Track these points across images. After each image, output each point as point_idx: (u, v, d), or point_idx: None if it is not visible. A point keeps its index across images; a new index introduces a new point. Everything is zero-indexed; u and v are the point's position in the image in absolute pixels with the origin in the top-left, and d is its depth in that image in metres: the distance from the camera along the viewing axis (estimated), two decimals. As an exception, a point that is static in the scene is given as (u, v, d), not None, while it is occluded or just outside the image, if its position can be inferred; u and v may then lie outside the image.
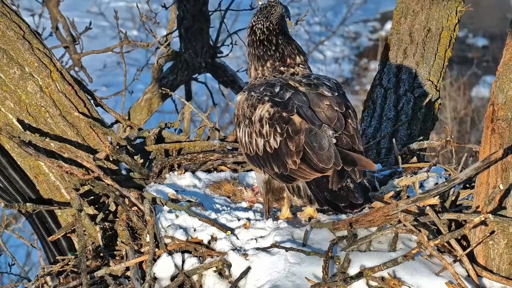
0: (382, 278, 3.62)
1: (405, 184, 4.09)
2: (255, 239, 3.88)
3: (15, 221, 9.91)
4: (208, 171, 4.60)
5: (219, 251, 3.86)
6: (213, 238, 3.93)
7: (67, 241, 4.45)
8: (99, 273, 3.96)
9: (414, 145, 4.85)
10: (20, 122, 4.42)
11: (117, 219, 4.22)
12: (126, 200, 4.16)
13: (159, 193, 4.24)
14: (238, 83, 8.06)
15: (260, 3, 4.20)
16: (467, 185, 4.22)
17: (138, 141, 4.72)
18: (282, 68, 4.08)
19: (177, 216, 4.03)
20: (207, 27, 7.71)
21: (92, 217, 4.22)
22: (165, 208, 4.09)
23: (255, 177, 4.33)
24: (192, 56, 7.75)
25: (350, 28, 22.53)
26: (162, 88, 7.13)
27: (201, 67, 7.90)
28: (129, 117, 7.51)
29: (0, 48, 4.41)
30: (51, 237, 4.31)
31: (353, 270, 3.64)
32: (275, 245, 3.77)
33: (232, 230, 3.94)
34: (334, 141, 3.75)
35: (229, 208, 4.19)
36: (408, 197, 3.85)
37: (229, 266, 3.81)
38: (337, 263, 3.67)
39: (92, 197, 4.38)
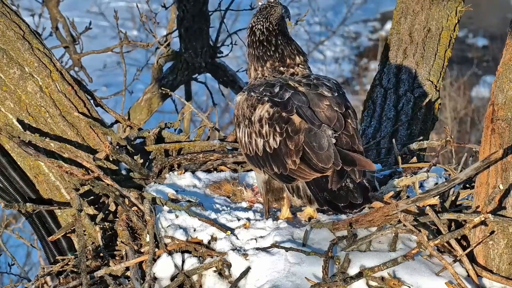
0: (382, 278, 3.62)
1: (405, 184, 4.09)
2: (255, 239, 3.88)
3: (15, 221, 9.91)
4: (208, 171, 4.60)
5: (219, 251, 3.86)
6: (213, 238, 3.93)
7: (67, 241, 4.45)
8: (99, 273, 3.96)
9: (414, 145, 4.85)
10: (20, 122, 4.42)
11: (117, 219, 4.21)
12: (126, 200, 4.16)
13: (159, 193, 4.24)
14: (238, 83, 8.06)
15: (260, 3, 4.21)
16: (467, 185, 4.22)
17: (138, 141, 4.72)
18: (282, 69, 4.08)
19: (177, 216, 4.03)
20: (207, 27, 7.71)
21: (92, 217, 4.22)
22: (165, 208, 4.09)
23: (255, 177, 4.33)
24: (192, 56, 7.75)
25: (350, 28, 22.53)
26: (162, 88, 7.13)
27: (201, 67, 7.90)
28: (129, 117, 7.51)
29: (0, 48, 4.41)
30: (51, 237, 4.31)
31: (353, 270, 3.64)
32: (275, 245, 3.77)
33: (232, 230, 3.94)
34: (334, 141, 3.75)
35: (229, 208, 4.19)
36: (408, 197, 3.85)
37: (229, 266, 3.81)
38: (337, 263, 3.67)
39: (92, 197, 4.38)
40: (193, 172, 4.55)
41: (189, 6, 7.55)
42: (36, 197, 4.47)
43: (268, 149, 3.85)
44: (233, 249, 3.84)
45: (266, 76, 4.08)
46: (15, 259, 5.38)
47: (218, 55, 7.96)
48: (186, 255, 3.91)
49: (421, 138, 5.27)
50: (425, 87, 5.58)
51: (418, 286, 3.60)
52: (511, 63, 3.56)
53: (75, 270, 4.14)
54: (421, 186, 4.24)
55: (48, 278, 4.31)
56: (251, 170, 4.47)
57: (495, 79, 3.61)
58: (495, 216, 3.53)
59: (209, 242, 3.93)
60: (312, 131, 3.76)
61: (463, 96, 17.42)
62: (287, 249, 3.72)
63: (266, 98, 3.91)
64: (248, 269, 3.75)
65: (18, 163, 4.46)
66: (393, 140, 4.71)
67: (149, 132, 4.66)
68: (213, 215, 4.04)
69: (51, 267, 4.27)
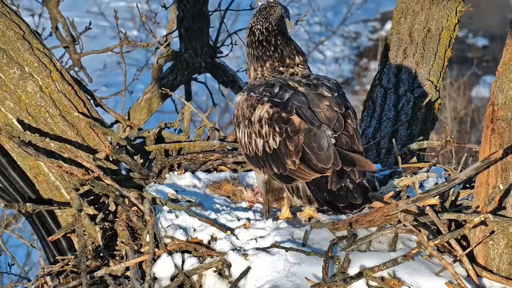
0: (382, 278, 3.62)
1: (405, 184, 4.09)
2: (255, 239, 3.88)
3: (15, 221, 9.91)
4: (208, 171, 4.60)
5: (219, 251, 3.86)
6: (213, 238, 3.93)
7: (67, 241, 4.45)
8: (99, 273, 3.96)
9: (414, 145, 4.85)
10: (20, 122, 4.42)
11: (117, 219, 4.21)
12: (126, 200, 4.16)
13: (159, 193, 4.24)
14: (238, 83, 8.06)
15: (259, 3, 4.21)
16: (467, 185, 4.21)
17: (138, 141, 4.72)
18: (281, 69, 4.08)
19: (177, 216, 4.03)
20: (207, 27, 7.71)
21: (92, 217, 4.22)
22: (165, 208, 4.09)
23: (255, 177, 4.33)
24: (192, 56, 7.75)
25: (350, 28, 22.53)
26: (162, 88, 7.13)
27: (201, 67, 7.90)
28: (129, 117, 7.50)
29: (0, 48, 4.41)
30: (51, 237, 4.31)
31: (353, 270, 3.64)
32: (275, 245, 3.77)
33: (232, 230, 3.94)
34: (333, 141, 3.75)
35: (229, 208, 4.19)
36: (408, 197, 3.85)
37: (229, 266, 3.81)
38: (337, 263, 3.67)
39: (92, 197, 4.37)
40: (193, 172, 4.55)
41: (189, 6, 7.56)
42: (36, 197, 4.47)
43: (267, 150, 3.85)
44: (233, 249, 3.84)
45: (265, 76, 4.08)
46: (15, 259, 5.38)
47: (218, 55, 7.96)
48: (186, 255, 3.91)
49: (421, 138, 5.27)
50: (425, 87, 5.58)
51: (418, 286, 3.60)
52: (511, 63, 3.56)
53: (75, 270, 4.14)
54: (421, 186, 4.24)
55: (48, 278, 4.31)
56: (251, 170, 4.47)
57: (495, 79, 3.61)
58: (495, 216, 3.53)
59: (209, 242, 3.93)
60: (312, 131, 3.75)
61: (463, 96, 17.42)
62: (287, 249, 3.72)
63: (265, 99, 3.91)
64: (248, 269, 3.75)
65: (18, 163, 4.46)
66: (393, 140, 4.70)
67: (149, 132, 4.66)
68: (213, 215, 4.04)
69: (51, 267, 4.27)
